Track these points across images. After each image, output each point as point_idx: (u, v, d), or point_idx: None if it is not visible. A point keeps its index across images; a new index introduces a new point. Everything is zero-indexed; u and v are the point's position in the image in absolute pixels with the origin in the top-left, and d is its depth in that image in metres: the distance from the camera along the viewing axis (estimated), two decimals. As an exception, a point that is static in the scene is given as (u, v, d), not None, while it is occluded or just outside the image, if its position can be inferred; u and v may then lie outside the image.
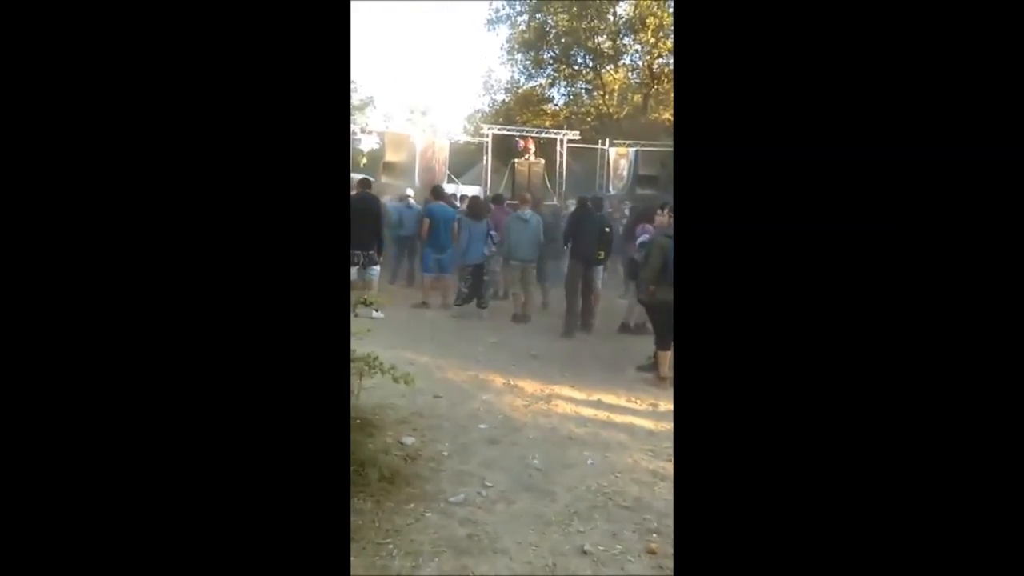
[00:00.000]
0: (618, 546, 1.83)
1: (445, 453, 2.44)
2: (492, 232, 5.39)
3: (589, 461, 2.47)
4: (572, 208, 5.93)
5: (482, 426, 2.78)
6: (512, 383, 3.50)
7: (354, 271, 5.20)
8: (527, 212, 5.34)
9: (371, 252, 5.20)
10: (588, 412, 3.12)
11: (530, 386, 3.47)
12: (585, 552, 1.79)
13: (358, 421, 2.24)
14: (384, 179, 8.88)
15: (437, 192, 6.18)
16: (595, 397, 3.36)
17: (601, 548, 1.82)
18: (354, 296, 2.53)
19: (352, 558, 1.67)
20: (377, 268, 5.39)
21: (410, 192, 7.15)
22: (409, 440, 2.50)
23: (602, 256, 5.07)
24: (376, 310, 4.08)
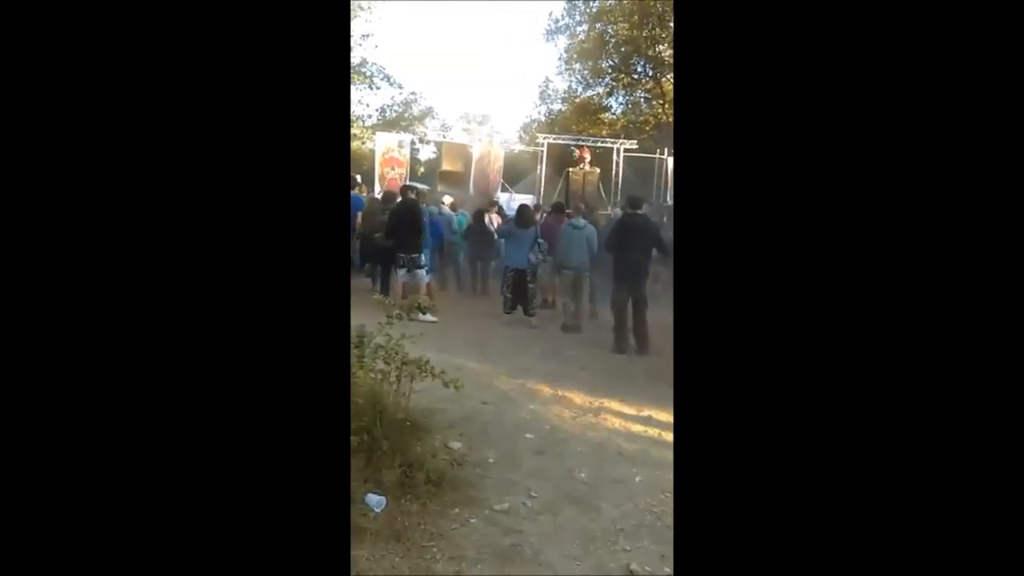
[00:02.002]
0: (666, 568, 1.77)
1: (491, 460, 2.45)
2: (539, 240, 5.39)
3: (638, 478, 2.40)
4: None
5: (529, 435, 2.77)
6: (560, 393, 3.47)
7: (401, 274, 5.40)
8: (580, 220, 5.30)
9: (415, 256, 5.37)
10: (638, 428, 3.03)
11: (578, 398, 3.42)
12: (631, 572, 1.74)
13: (408, 423, 2.28)
14: (440, 188, 9.09)
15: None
16: (645, 413, 3.27)
17: (648, 569, 1.76)
18: (408, 300, 2.59)
19: (397, 559, 1.70)
20: (424, 271, 5.54)
21: (446, 199, 7.28)
22: (456, 445, 2.53)
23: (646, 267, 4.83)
24: (426, 313, 4.17)
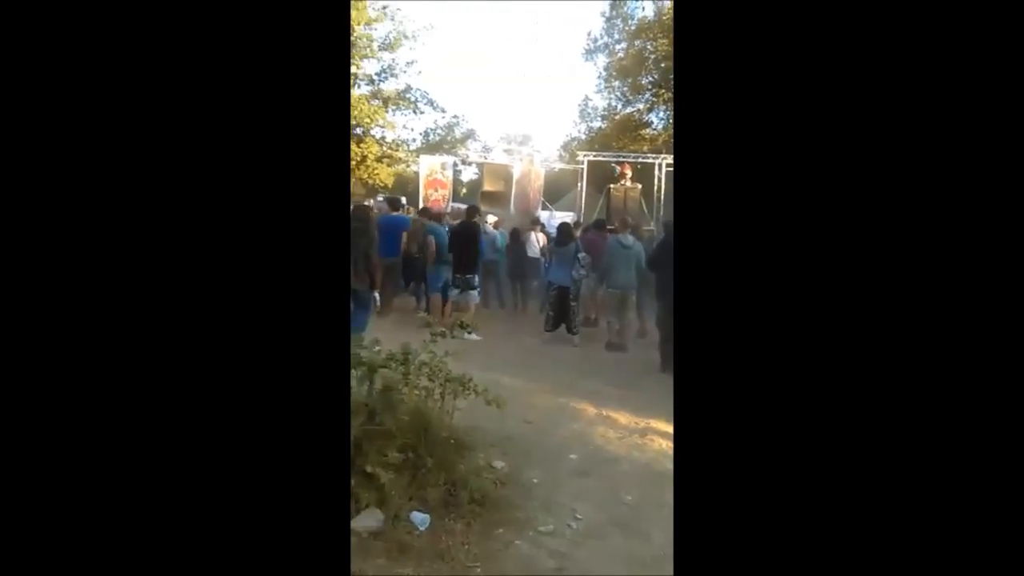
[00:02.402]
0: (720, 600, 1.68)
1: (535, 480, 2.41)
2: (580, 255, 5.36)
3: (687, 502, 2.30)
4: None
5: (573, 456, 2.72)
6: (605, 413, 3.40)
7: (455, 293, 5.55)
8: (628, 238, 5.24)
9: (469, 276, 5.51)
10: (686, 449, 2.92)
11: (624, 418, 3.34)
12: (683, 602, 1.66)
13: (452, 441, 2.29)
14: (482, 208, 9.24)
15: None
16: (694, 434, 3.15)
17: (701, 600, 1.67)
18: (452, 318, 2.62)
19: (442, 578, 1.69)
20: (475, 292, 5.65)
21: (490, 218, 7.38)
22: (500, 464, 2.51)
23: None
24: (471, 332, 4.21)
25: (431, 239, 5.64)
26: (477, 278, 5.74)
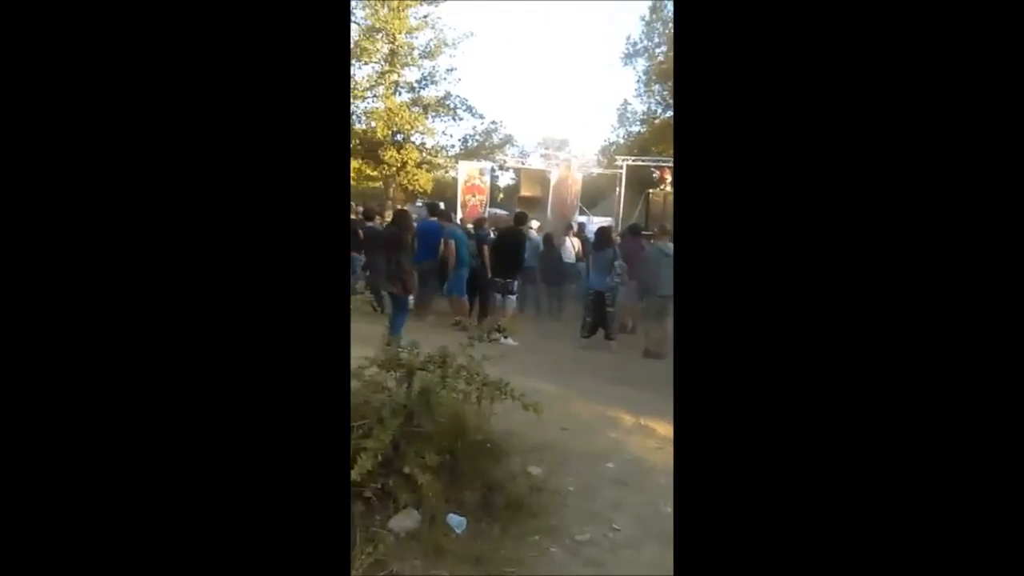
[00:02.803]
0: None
1: (571, 488, 2.39)
2: (618, 262, 5.30)
3: (729, 517, 2.23)
4: None
5: (610, 465, 2.68)
6: (642, 423, 3.34)
7: (499, 299, 5.63)
8: (669, 245, 5.15)
9: (510, 281, 5.58)
10: (728, 462, 2.84)
11: (662, 428, 3.27)
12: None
13: (488, 445, 2.30)
14: (520, 212, 9.27)
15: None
16: (736, 446, 3.05)
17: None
18: (489, 321, 2.64)
19: (478, 582, 1.70)
20: (513, 297, 5.71)
21: (534, 223, 7.39)
22: (535, 470, 2.50)
23: None
24: (507, 336, 4.23)
25: (452, 242, 5.69)
26: (516, 284, 5.79)
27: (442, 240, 5.88)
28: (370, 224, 6.72)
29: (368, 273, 6.37)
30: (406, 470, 1.93)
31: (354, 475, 1.80)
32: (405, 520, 1.89)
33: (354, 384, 2.27)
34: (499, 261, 5.73)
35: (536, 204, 10.09)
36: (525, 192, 10.66)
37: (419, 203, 13.06)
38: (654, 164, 10.38)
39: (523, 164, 14.26)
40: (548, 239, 6.93)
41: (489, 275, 5.97)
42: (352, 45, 14.89)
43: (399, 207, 6.71)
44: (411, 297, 4.94)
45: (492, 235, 6.94)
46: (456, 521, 1.96)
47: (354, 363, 2.44)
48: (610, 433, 3.13)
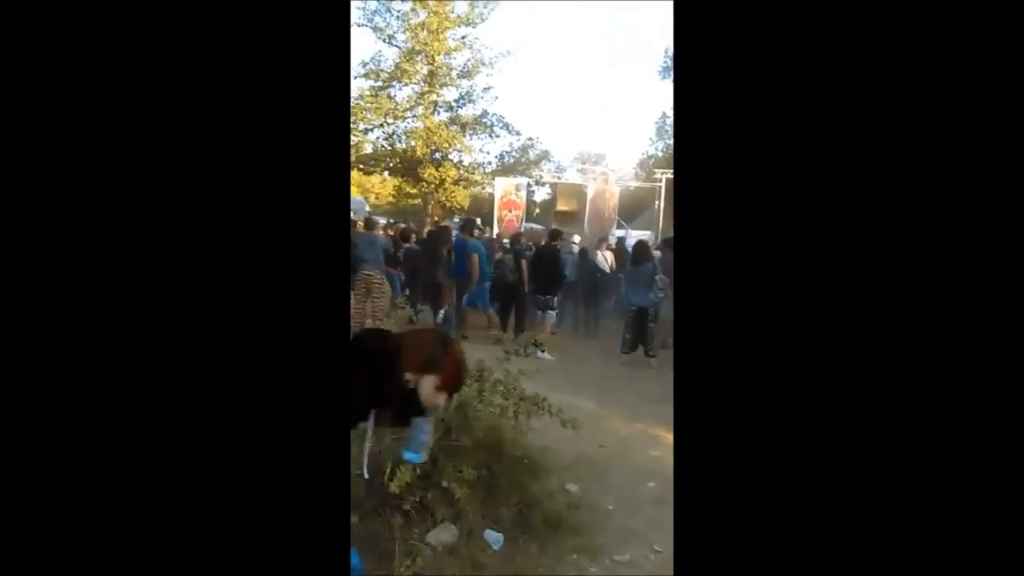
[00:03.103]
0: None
1: (610, 507, 2.34)
2: (659, 276, 5.20)
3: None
4: None
5: (651, 484, 2.61)
6: (684, 440, 3.24)
7: (539, 315, 5.66)
8: None
9: (550, 297, 5.61)
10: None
11: (705, 446, 3.17)
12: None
13: (526, 461, 2.28)
14: (555, 227, 9.29)
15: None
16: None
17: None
18: (526, 335, 2.64)
19: (515, 600, 1.67)
20: (553, 312, 5.73)
21: (576, 238, 7.38)
22: (573, 488, 2.46)
23: None
24: (544, 351, 4.21)
25: (475, 256, 5.66)
26: (556, 300, 5.80)
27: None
28: (407, 245, 6.87)
29: (407, 292, 6.53)
30: (444, 484, 1.94)
31: (394, 487, 1.82)
32: (443, 534, 1.89)
33: (393, 397, 2.31)
34: (538, 277, 5.75)
35: (573, 218, 10.08)
36: (561, 207, 10.68)
37: (456, 219, 13.26)
38: (693, 176, 10.19)
39: (559, 179, 14.30)
40: (583, 254, 6.90)
41: (526, 289, 5.99)
42: (393, 67, 15.42)
43: (439, 223, 6.84)
44: (446, 311, 4.99)
45: (531, 250, 6.97)
46: (493, 537, 1.94)
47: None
48: (651, 451, 3.05)
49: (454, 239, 6.04)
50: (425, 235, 7.28)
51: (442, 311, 5.06)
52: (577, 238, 7.44)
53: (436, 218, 14.11)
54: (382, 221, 9.37)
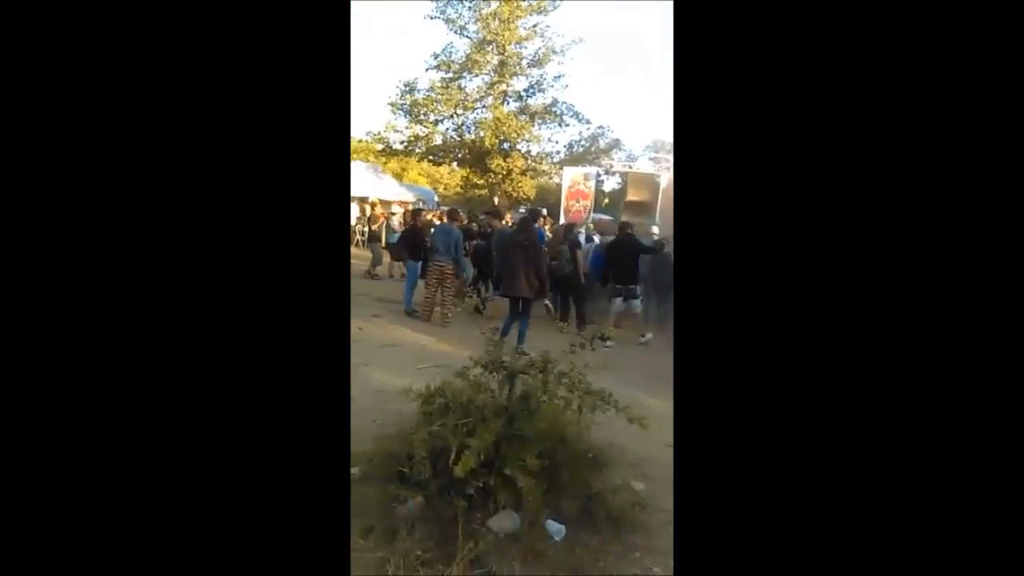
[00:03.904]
0: None
1: (676, 508, 2.26)
2: None
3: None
4: None
5: (720, 486, 2.50)
6: (758, 444, 3.07)
7: (617, 303, 5.61)
8: None
9: (631, 287, 5.59)
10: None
11: (781, 451, 2.98)
12: None
13: (590, 455, 2.25)
14: (625, 217, 9.06)
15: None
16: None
17: None
18: (591, 329, 2.59)
19: (576, 593, 1.66)
20: (638, 301, 5.70)
21: (654, 229, 7.16)
22: (639, 486, 2.40)
23: None
24: (608, 343, 4.14)
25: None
26: (639, 288, 5.75)
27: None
28: (498, 225, 6.89)
29: (470, 284, 6.61)
30: (507, 471, 1.95)
31: (458, 471, 1.86)
32: (504, 521, 1.91)
33: (458, 383, 2.35)
34: (615, 268, 5.71)
35: (644, 209, 9.79)
36: (632, 197, 10.40)
37: (522, 209, 13.27)
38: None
39: (630, 168, 13.91)
40: (660, 246, 6.70)
41: (582, 280, 5.90)
42: (464, 58, 15.61)
43: (522, 214, 6.87)
44: (548, 302, 5.00)
45: (595, 240, 6.84)
46: (555, 528, 1.94)
47: (458, 363, 2.53)
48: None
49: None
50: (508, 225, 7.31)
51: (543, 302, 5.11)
52: (656, 229, 7.20)
53: (502, 209, 14.22)
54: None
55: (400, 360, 4.17)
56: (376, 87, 44.18)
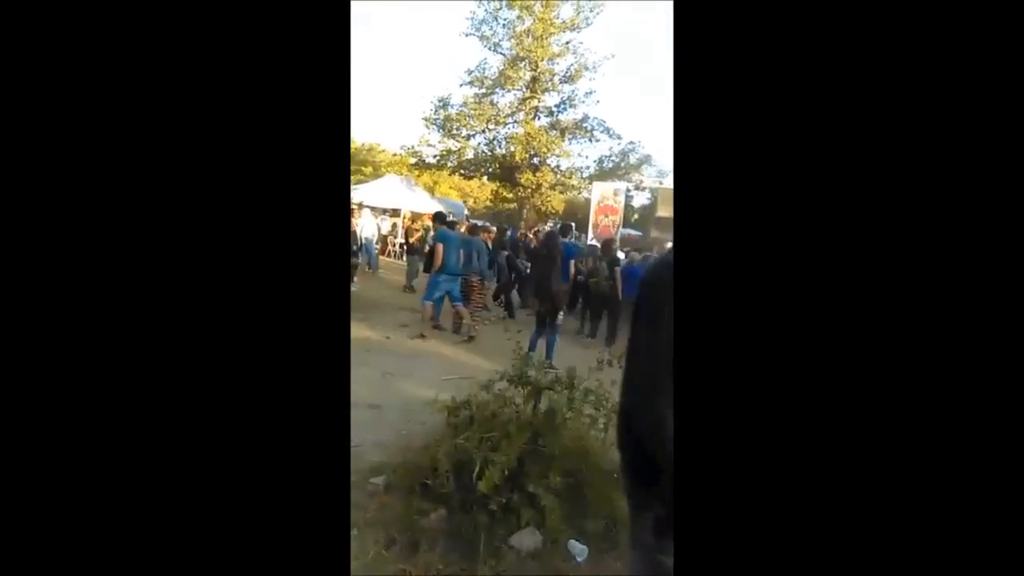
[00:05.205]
0: None
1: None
2: None
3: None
4: None
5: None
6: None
7: None
8: None
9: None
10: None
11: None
12: None
13: (615, 476, 2.21)
14: (654, 233, 8.99)
15: (441, 218, 6.05)
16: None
17: None
18: (620, 346, 2.56)
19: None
20: None
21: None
22: (663, 508, 2.34)
23: None
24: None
25: (439, 246, 5.45)
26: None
27: (572, 261, 5.90)
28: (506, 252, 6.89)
29: (496, 295, 6.60)
30: (530, 488, 1.94)
31: (482, 487, 1.85)
32: (527, 539, 1.89)
33: (483, 396, 2.35)
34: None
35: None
36: (662, 212, 10.32)
37: (551, 224, 13.29)
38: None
39: (661, 184, 13.80)
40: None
41: (620, 297, 5.85)
42: (497, 74, 15.86)
43: (548, 229, 6.87)
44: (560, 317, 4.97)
45: (624, 257, 6.79)
46: (578, 549, 1.91)
47: (484, 375, 2.54)
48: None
49: (570, 246, 6.01)
50: (538, 240, 7.34)
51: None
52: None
53: (530, 223, 14.26)
54: (478, 224, 9.69)
55: (427, 370, 4.20)
56: (412, 102, 45.20)
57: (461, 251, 5.55)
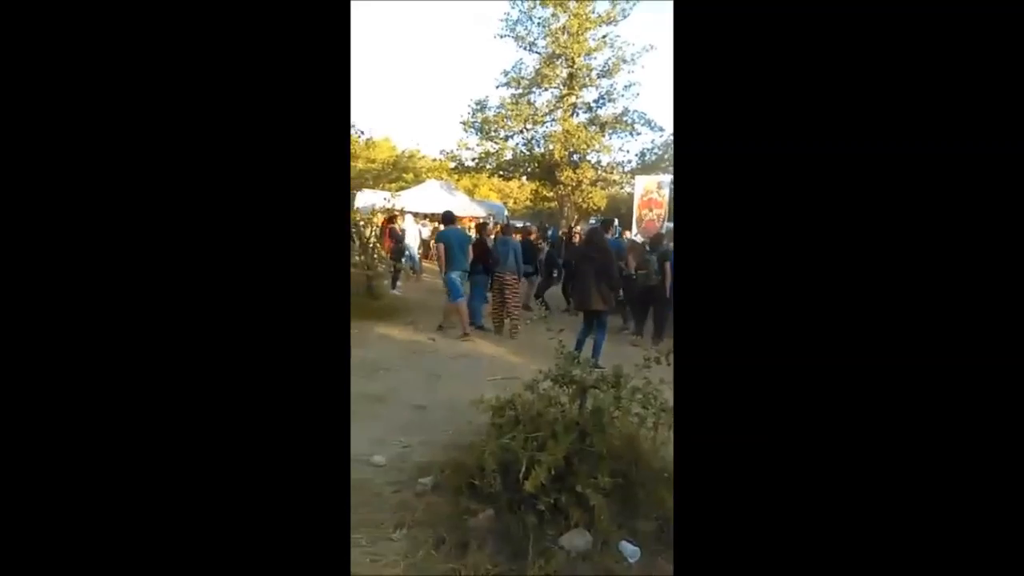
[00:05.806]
0: None
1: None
2: None
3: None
4: None
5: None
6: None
7: None
8: None
9: None
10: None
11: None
12: None
13: (666, 475, 2.15)
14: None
15: (447, 218, 6.00)
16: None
17: None
18: (668, 343, 2.49)
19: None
20: None
21: None
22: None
23: None
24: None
25: (440, 246, 5.47)
26: None
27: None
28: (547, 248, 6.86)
29: (536, 294, 6.54)
30: (579, 488, 1.90)
31: (529, 487, 1.83)
32: (576, 539, 1.86)
33: (528, 396, 2.33)
34: None
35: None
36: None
37: (592, 220, 13.12)
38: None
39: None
40: None
41: (668, 294, 5.69)
42: (533, 74, 15.82)
43: (592, 225, 6.80)
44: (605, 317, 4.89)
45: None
46: (630, 550, 1.86)
47: (528, 375, 2.52)
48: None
49: (613, 242, 5.92)
50: (582, 237, 7.29)
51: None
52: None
53: (571, 220, 14.13)
54: (518, 224, 9.69)
55: (471, 371, 4.23)
56: (450, 107, 45.87)
57: (469, 247, 5.62)
